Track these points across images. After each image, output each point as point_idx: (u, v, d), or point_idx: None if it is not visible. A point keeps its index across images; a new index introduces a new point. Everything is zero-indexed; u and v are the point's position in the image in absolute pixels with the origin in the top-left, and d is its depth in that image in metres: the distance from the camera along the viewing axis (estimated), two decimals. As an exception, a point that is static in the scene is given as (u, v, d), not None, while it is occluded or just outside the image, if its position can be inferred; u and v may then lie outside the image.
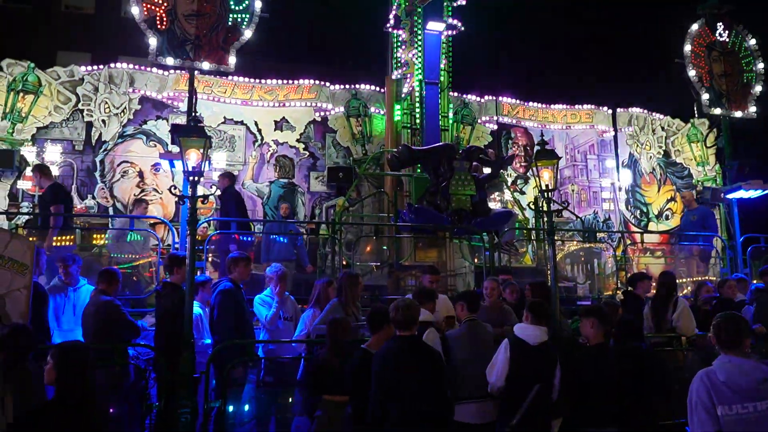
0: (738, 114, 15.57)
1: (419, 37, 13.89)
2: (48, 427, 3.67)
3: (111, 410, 6.24)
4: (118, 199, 13.75)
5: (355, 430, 5.18)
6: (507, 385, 5.51)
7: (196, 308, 7.35)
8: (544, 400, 5.38)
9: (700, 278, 12.65)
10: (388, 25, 14.50)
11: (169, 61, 10.99)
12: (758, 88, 15.64)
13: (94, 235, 11.40)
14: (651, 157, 17.76)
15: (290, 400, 6.94)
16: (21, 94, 13.27)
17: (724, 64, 15.65)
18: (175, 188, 7.07)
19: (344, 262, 10.94)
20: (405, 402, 4.80)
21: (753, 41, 15.88)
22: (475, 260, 11.14)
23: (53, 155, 12.92)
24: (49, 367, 3.91)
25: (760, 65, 15.81)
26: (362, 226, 13.41)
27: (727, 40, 15.84)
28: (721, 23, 15.84)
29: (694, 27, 15.71)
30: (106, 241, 11.29)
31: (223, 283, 6.92)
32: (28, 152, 12.92)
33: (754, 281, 10.55)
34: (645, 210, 17.52)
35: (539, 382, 5.34)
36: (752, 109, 15.63)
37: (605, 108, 17.58)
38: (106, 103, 13.93)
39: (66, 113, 13.68)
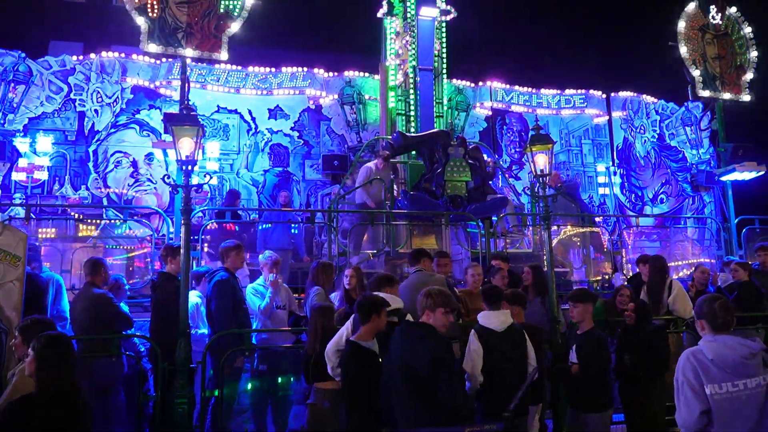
0: (731, 96, 15.56)
1: (413, 23, 13.79)
2: (25, 421, 3.56)
3: (108, 402, 6.24)
4: (112, 189, 13.69)
5: (349, 428, 4.96)
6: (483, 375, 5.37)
7: (195, 298, 7.34)
8: (523, 378, 5.30)
9: (695, 260, 12.70)
10: (381, 11, 14.39)
11: (161, 49, 10.89)
12: (752, 69, 15.61)
13: (88, 227, 11.36)
14: (645, 140, 17.76)
15: (288, 389, 6.94)
16: (12, 84, 13.17)
17: (717, 46, 15.62)
18: (169, 177, 7.02)
19: (340, 250, 10.93)
20: (418, 395, 4.55)
21: (746, 23, 15.84)
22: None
23: (45, 146, 12.85)
24: (29, 359, 3.82)
25: (753, 49, 15.79)
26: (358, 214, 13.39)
27: (720, 22, 15.80)
28: (713, 6, 15.79)
29: (688, 10, 15.66)
30: (99, 232, 11.25)
31: (218, 274, 6.89)
32: (20, 143, 12.85)
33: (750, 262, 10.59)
34: (640, 194, 17.54)
35: (513, 366, 5.31)
36: (746, 90, 15.62)
37: (599, 92, 17.55)
38: (99, 92, 13.84)
39: (58, 103, 13.59)
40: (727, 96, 15.47)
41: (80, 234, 11.15)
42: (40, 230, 10.69)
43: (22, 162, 12.80)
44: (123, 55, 14.14)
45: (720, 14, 15.77)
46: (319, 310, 5.94)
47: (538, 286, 7.78)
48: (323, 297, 6.69)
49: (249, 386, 6.90)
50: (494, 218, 11.04)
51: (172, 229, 10.38)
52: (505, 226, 11.56)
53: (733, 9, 15.87)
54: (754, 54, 15.74)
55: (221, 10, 11.11)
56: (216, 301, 6.77)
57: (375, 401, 4.81)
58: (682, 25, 15.41)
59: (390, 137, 12.62)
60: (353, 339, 5.06)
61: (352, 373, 4.95)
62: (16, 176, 12.75)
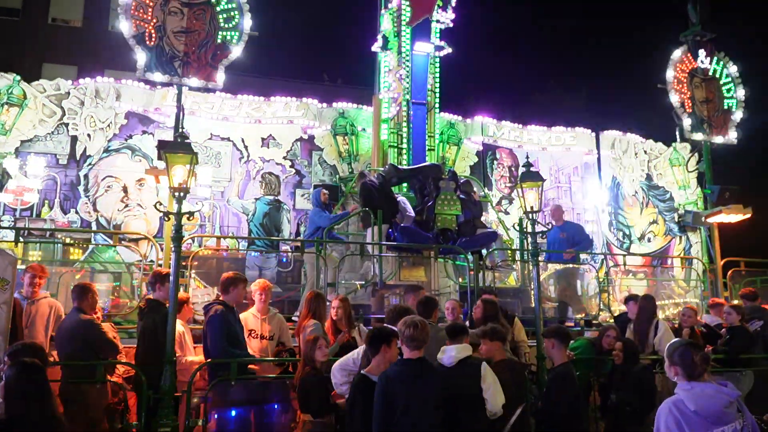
0: (719, 139, 15.84)
1: (407, 58, 13.99)
2: None
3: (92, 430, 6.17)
4: (101, 213, 13.63)
5: None
6: None
7: (181, 326, 7.30)
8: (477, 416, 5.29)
9: (681, 301, 12.76)
10: (376, 45, 14.60)
11: (157, 77, 10.99)
12: (739, 114, 15.92)
13: (76, 250, 11.31)
14: (633, 179, 17.95)
15: (273, 418, 6.89)
16: (5, 107, 13.18)
17: (705, 90, 15.94)
18: (161, 204, 7.02)
19: (329, 281, 10.91)
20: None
21: (734, 69, 16.20)
22: (460, 279, 11.17)
23: (36, 168, 12.82)
24: (0, 384, 3.75)
25: (741, 92, 16.12)
26: (347, 245, 13.39)
27: (709, 67, 16.14)
28: (703, 50, 16.14)
29: (677, 54, 16.00)
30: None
31: (214, 307, 6.84)
32: (11, 165, 12.81)
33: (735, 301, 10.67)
34: (627, 232, 17.66)
35: (462, 400, 5.22)
36: (733, 134, 15.91)
37: (589, 131, 17.78)
38: (92, 117, 13.85)
39: (51, 127, 13.59)
40: (714, 139, 15.75)
41: (68, 257, 11.09)
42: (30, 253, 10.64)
43: (12, 184, 12.75)
44: (118, 80, 14.20)
45: (709, 58, 16.12)
46: (308, 343, 5.95)
47: (488, 319, 7.69)
48: (318, 329, 6.68)
49: (234, 415, 6.84)
50: (483, 252, 11.11)
51: (161, 255, 10.34)
52: (494, 260, 11.61)
53: (722, 54, 16.22)
54: (741, 93, 16.07)
55: (219, 41, 11.25)
56: (210, 337, 6.74)
57: None
58: (671, 68, 15.72)
59: (382, 169, 12.71)
60: (364, 372, 4.96)
61: (357, 407, 4.85)
62: (4, 198, 12.69)
